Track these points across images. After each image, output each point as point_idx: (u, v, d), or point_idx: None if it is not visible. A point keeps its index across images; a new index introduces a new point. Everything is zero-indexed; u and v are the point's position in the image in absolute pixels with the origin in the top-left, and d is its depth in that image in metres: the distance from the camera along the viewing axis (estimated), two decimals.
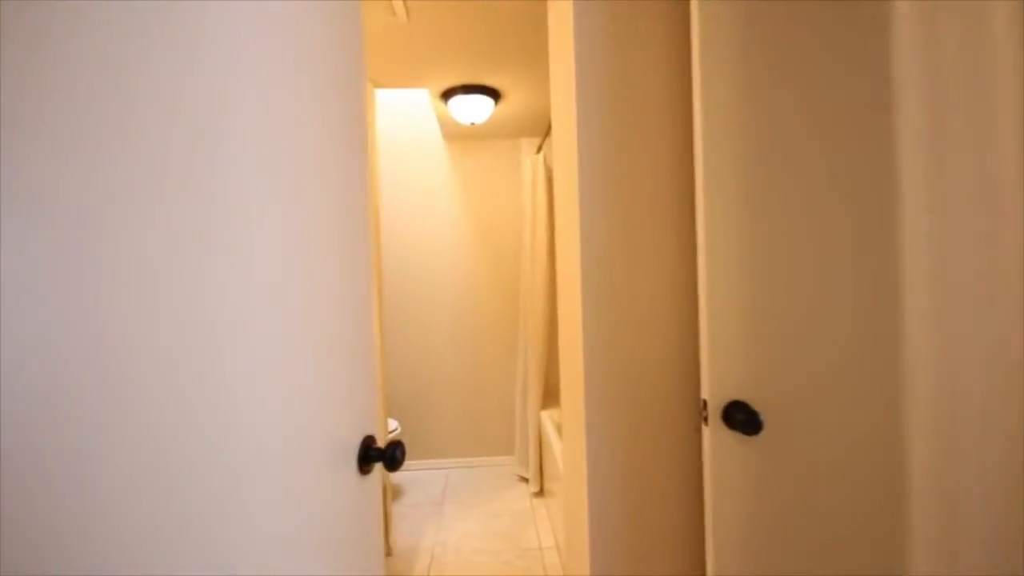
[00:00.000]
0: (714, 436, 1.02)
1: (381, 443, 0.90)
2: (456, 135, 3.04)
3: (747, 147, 0.97)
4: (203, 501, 0.50)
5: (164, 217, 0.47)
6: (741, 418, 0.98)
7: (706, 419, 1.03)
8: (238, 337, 0.53)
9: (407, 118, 3.09)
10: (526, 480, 2.85)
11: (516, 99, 2.49)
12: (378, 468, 0.88)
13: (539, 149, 2.77)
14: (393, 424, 2.65)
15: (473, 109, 2.33)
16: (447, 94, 2.34)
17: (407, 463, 3.10)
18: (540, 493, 2.70)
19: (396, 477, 2.99)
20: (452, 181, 3.12)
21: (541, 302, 2.69)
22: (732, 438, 1.02)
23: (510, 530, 2.35)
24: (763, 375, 1.03)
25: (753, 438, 1.01)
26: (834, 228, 1.00)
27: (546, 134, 2.68)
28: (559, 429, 2.51)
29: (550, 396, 2.92)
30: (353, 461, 0.80)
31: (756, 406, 1.02)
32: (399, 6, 1.61)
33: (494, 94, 2.36)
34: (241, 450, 0.54)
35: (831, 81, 0.98)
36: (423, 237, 3.12)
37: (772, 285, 1.01)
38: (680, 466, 1.17)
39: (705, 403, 1.04)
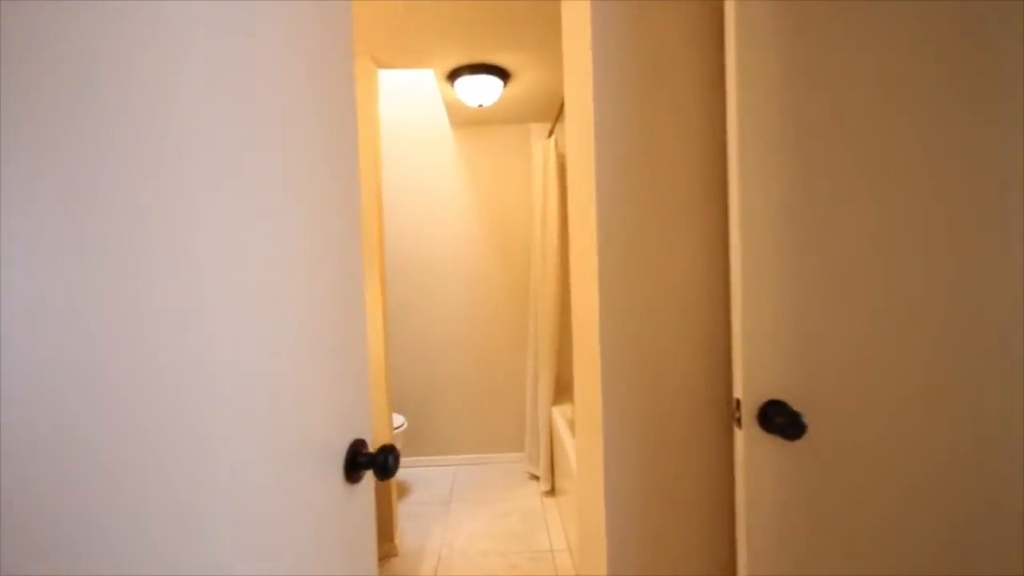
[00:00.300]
0: (748, 439, 0.91)
1: (384, 442, 0.80)
2: (464, 121, 2.93)
3: (792, 126, 0.85)
4: (154, 513, 0.41)
5: (105, 201, 0.37)
6: (781, 420, 0.87)
7: (739, 420, 0.92)
8: (189, 329, 0.43)
9: (413, 103, 2.98)
10: (537, 478, 2.75)
11: (526, 80, 2.37)
12: (370, 476, 0.78)
13: (550, 133, 2.65)
14: (399, 420, 2.56)
15: (480, 90, 2.22)
16: (453, 75, 2.23)
17: (414, 459, 3.02)
18: (551, 492, 2.61)
19: (403, 474, 2.91)
20: (460, 169, 3.01)
21: (552, 293, 2.58)
22: (769, 442, 0.91)
23: (520, 530, 2.26)
24: (805, 372, 0.91)
25: (795, 443, 0.89)
26: (893, 212, 0.88)
27: (557, 118, 2.56)
28: (571, 425, 2.41)
29: (561, 391, 2.82)
30: (339, 468, 0.70)
31: (797, 407, 0.90)
32: None
33: (503, 74, 2.24)
34: (199, 457, 0.44)
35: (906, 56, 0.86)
36: (430, 226, 3.02)
37: (817, 273, 0.89)
38: (706, 469, 1.06)
39: (738, 403, 0.92)
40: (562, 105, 2.43)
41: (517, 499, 2.57)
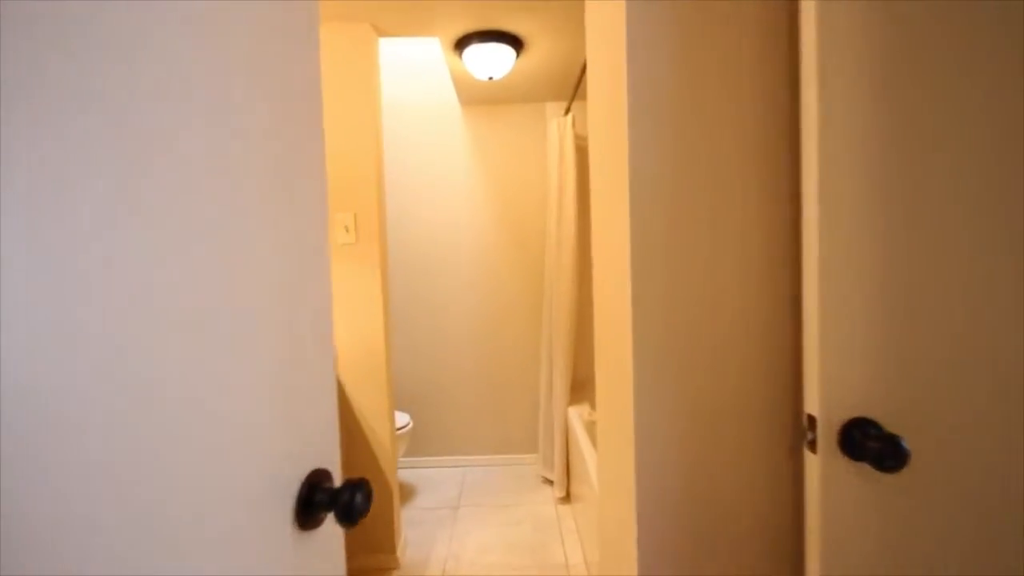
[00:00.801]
0: (827, 468, 0.71)
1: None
2: (474, 98, 2.73)
3: (883, 114, 0.65)
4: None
5: None
6: (874, 446, 0.67)
7: (812, 443, 0.73)
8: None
9: (419, 80, 2.79)
10: (551, 482, 2.57)
11: (541, 50, 2.16)
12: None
13: (567, 110, 2.44)
14: (403, 419, 2.40)
15: (491, 60, 2.02)
16: (461, 44, 2.03)
17: (420, 459, 2.86)
18: (566, 498, 2.42)
19: (408, 476, 2.75)
20: (470, 150, 2.82)
21: (569, 284, 2.38)
22: (855, 472, 0.71)
23: (532, 541, 2.08)
24: (901, 383, 0.71)
25: (891, 474, 0.69)
26: (995, 203, 0.68)
27: (574, 96, 2.35)
28: (589, 428, 2.22)
29: (578, 390, 2.63)
30: (287, 509, 0.52)
31: (891, 427, 0.70)
32: None
33: (515, 43, 2.04)
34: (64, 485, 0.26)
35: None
36: (437, 212, 2.83)
37: (912, 266, 0.69)
38: (763, 499, 0.86)
39: (811, 421, 0.73)
40: (580, 82, 2.22)
41: (529, 505, 2.39)
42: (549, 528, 2.18)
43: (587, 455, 2.02)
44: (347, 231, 1.85)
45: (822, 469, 0.71)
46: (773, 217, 0.80)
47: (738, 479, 0.85)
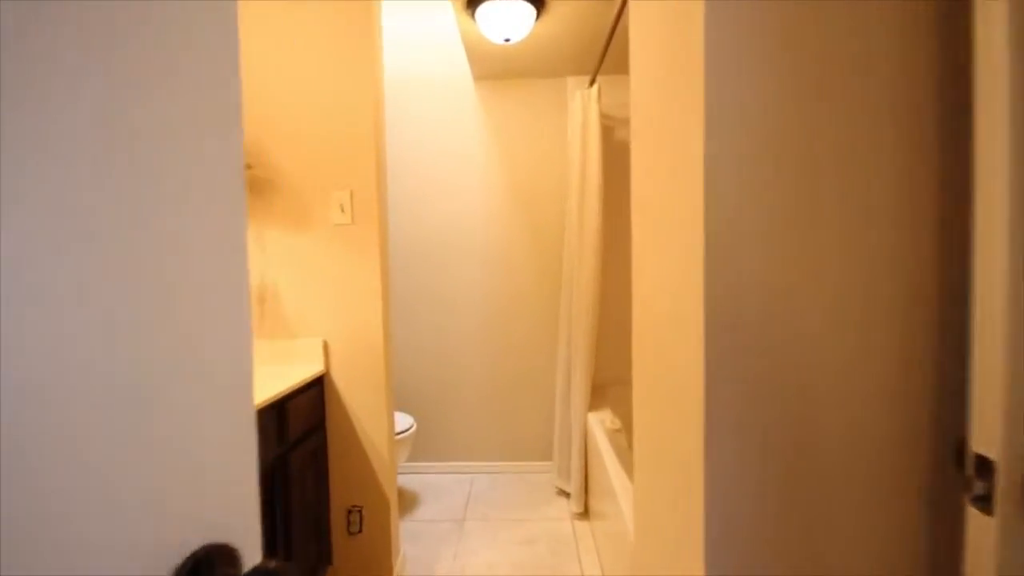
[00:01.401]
0: (1011, 531, 0.47)
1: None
2: (488, 71, 2.49)
3: None
4: None
5: None
6: None
7: (987, 497, 0.49)
8: None
9: (429, 54, 2.56)
10: (566, 495, 2.33)
11: (564, 10, 1.91)
12: None
13: (592, 82, 2.19)
14: (406, 421, 2.18)
15: (507, 19, 1.78)
16: (474, 1, 1.79)
17: (424, 465, 2.65)
18: (584, 514, 2.19)
19: (410, 482, 2.54)
20: (482, 130, 2.59)
21: (590, 278, 2.14)
22: None
23: (548, 561, 1.85)
24: None
25: None
26: None
27: (600, 66, 2.11)
28: (611, 436, 1.98)
29: (598, 394, 2.38)
30: None
31: None
32: None
33: (535, 0, 1.80)
34: None
35: None
36: (446, 196, 2.60)
37: None
38: (876, 554, 0.63)
39: (987, 464, 0.49)
40: (607, 51, 1.97)
41: (544, 520, 2.16)
42: (565, 547, 1.95)
43: (610, 468, 1.78)
44: (342, 210, 1.63)
45: (1003, 534, 0.47)
46: (910, 215, 0.57)
47: (839, 533, 0.61)
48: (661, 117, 0.78)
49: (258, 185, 1.64)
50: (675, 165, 0.71)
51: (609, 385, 2.50)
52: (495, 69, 2.46)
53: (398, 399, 2.65)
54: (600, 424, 2.06)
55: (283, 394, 1.37)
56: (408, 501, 2.35)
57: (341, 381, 1.67)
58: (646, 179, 0.88)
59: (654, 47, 0.81)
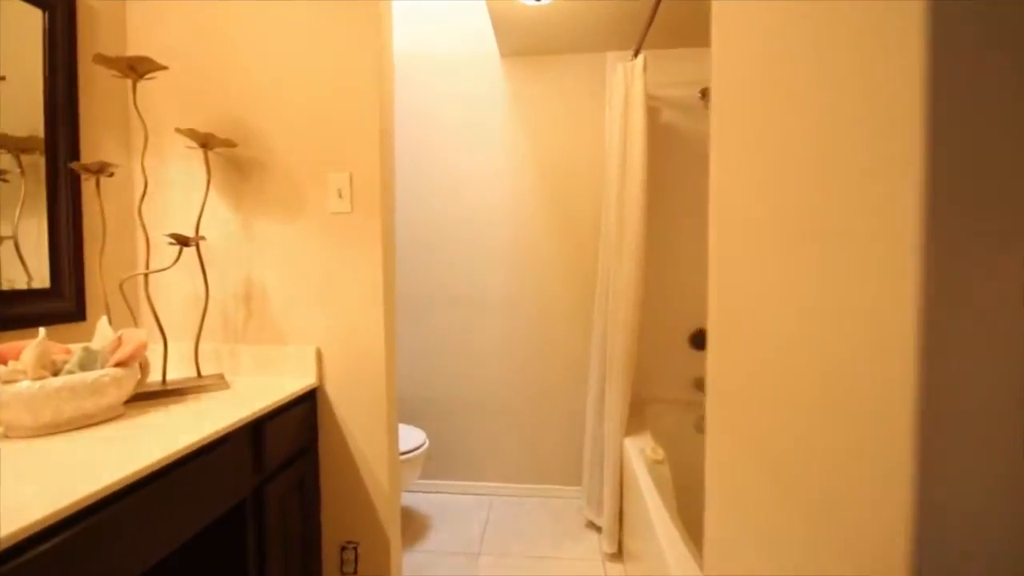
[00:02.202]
0: None
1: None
2: (517, 48, 2.22)
3: None
4: None
5: None
6: None
7: None
8: None
9: (452, 27, 2.31)
10: (598, 528, 2.04)
11: None
12: None
13: (636, 53, 1.89)
14: (417, 437, 1.94)
15: None
16: None
17: (436, 484, 2.39)
18: (618, 555, 1.89)
19: (420, 503, 2.29)
20: (510, 112, 2.32)
21: (631, 281, 1.84)
22: None
23: None
24: None
25: None
26: None
27: (645, 34, 1.81)
28: (652, 467, 1.68)
29: (637, 416, 2.08)
30: None
31: None
32: None
33: None
34: None
35: None
36: (466, 184, 2.35)
37: None
38: None
39: None
40: (654, 17, 1.68)
41: (570, 559, 1.87)
42: None
43: (650, 504, 1.49)
44: (340, 196, 1.39)
45: None
46: None
47: None
48: (807, 108, 0.49)
49: (246, 167, 1.42)
50: (858, 167, 0.43)
51: (648, 403, 2.19)
52: (524, 44, 2.19)
53: (409, 412, 2.40)
54: (640, 453, 1.76)
55: (258, 415, 1.13)
56: (418, 525, 2.10)
57: (336, 396, 1.43)
58: (759, 174, 0.59)
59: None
